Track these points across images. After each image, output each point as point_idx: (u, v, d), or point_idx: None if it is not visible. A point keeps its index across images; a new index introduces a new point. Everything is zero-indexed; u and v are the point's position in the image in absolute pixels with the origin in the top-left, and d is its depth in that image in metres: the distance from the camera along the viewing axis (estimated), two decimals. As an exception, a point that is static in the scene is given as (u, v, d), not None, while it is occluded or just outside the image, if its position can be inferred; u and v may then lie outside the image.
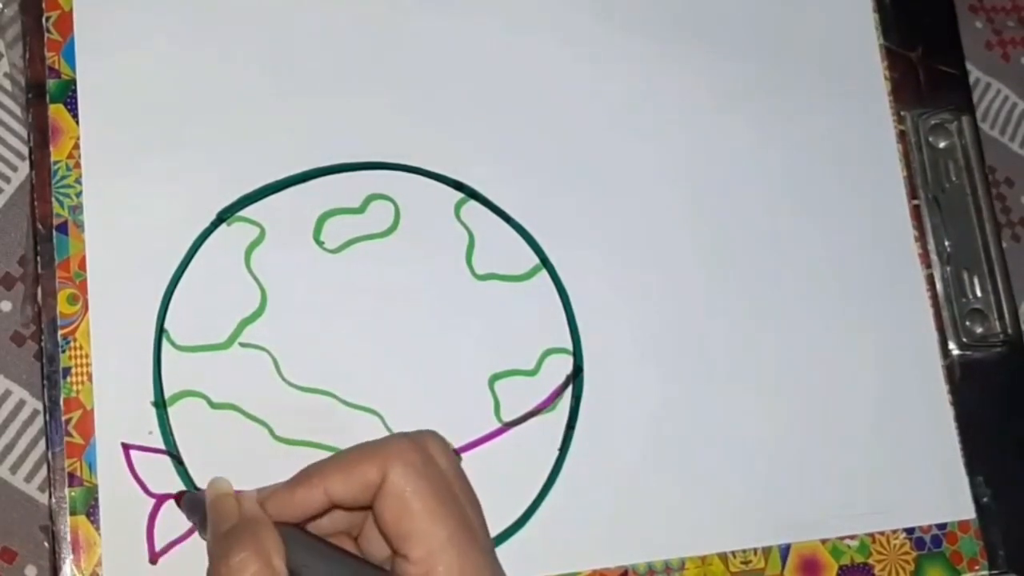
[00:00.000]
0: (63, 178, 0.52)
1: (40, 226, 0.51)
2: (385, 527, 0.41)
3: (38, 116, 0.52)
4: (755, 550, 0.54)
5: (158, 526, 0.49)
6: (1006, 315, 0.58)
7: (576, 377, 0.54)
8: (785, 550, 0.54)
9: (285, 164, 0.53)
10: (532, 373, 0.54)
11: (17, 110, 0.54)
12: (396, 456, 0.41)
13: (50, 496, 0.49)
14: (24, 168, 0.53)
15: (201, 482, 0.49)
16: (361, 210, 0.54)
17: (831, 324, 0.57)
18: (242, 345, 0.51)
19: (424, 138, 0.55)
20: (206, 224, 0.52)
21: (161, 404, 0.50)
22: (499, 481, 0.52)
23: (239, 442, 0.50)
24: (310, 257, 0.53)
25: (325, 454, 0.49)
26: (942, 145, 0.60)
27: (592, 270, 0.55)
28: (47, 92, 0.52)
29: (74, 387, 0.50)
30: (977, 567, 0.55)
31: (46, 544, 0.50)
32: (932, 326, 0.58)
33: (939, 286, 0.59)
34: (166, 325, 0.51)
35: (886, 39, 0.61)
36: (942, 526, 0.56)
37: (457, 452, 0.52)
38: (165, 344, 0.51)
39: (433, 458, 0.42)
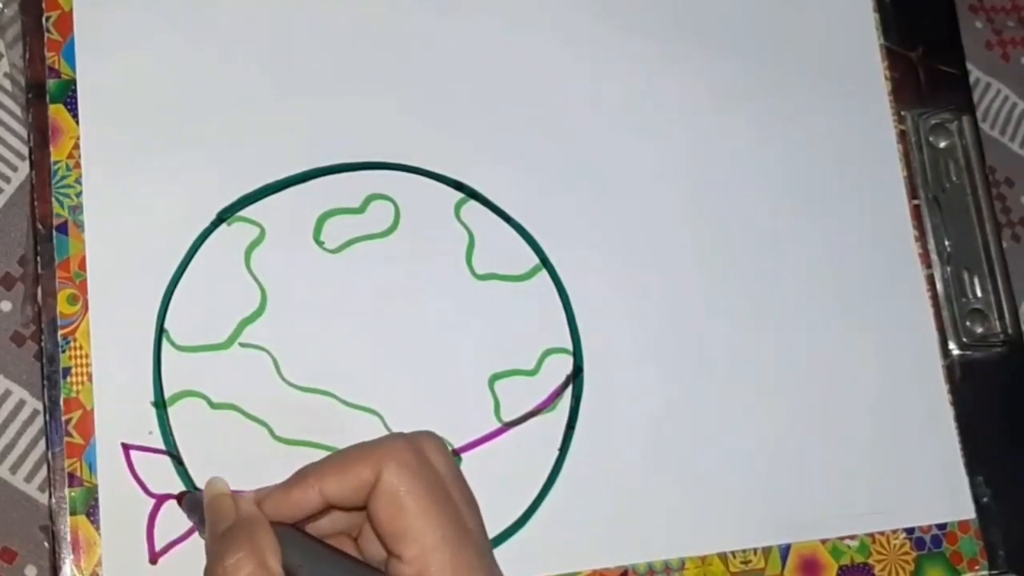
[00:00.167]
0: (63, 178, 0.52)
1: (40, 226, 0.51)
2: (379, 527, 0.41)
3: (38, 116, 0.52)
4: (755, 550, 0.54)
5: (158, 526, 0.49)
6: (1006, 315, 0.58)
7: (576, 377, 0.54)
8: (785, 550, 0.54)
9: (285, 164, 0.53)
10: (532, 373, 0.54)
11: (17, 110, 0.54)
12: (390, 456, 0.41)
13: (50, 496, 0.49)
14: (24, 168, 0.53)
15: (201, 482, 0.49)
16: (361, 210, 0.54)
17: (831, 324, 0.57)
18: (242, 345, 0.51)
19: (424, 138, 0.55)
20: (206, 224, 0.52)
21: (161, 404, 0.50)
22: (499, 481, 0.52)
23: (239, 442, 0.50)
24: (310, 257, 0.53)
25: (325, 454, 0.49)
26: (942, 145, 0.60)
27: (592, 270, 0.55)
28: (47, 92, 0.52)
29: (74, 387, 0.50)
30: (977, 567, 0.55)
31: (46, 544, 0.50)
32: (932, 326, 0.58)
33: (939, 286, 0.59)
34: (166, 325, 0.51)
35: (886, 39, 0.61)
36: (942, 526, 0.56)
37: (457, 452, 0.52)
38: (165, 344, 0.51)
39: (428, 458, 0.42)
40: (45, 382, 0.50)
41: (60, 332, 0.50)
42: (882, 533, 0.55)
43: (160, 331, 0.51)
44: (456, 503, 0.42)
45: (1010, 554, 0.56)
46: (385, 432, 0.51)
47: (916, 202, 0.60)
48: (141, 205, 0.52)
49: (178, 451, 0.50)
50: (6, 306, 0.52)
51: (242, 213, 0.53)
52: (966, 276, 0.59)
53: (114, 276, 0.51)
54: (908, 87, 0.61)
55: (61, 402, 0.49)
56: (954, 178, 0.60)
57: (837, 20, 0.61)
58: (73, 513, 0.49)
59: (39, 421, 0.51)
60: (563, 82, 0.57)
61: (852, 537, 0.55)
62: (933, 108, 0.61)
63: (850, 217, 0.58)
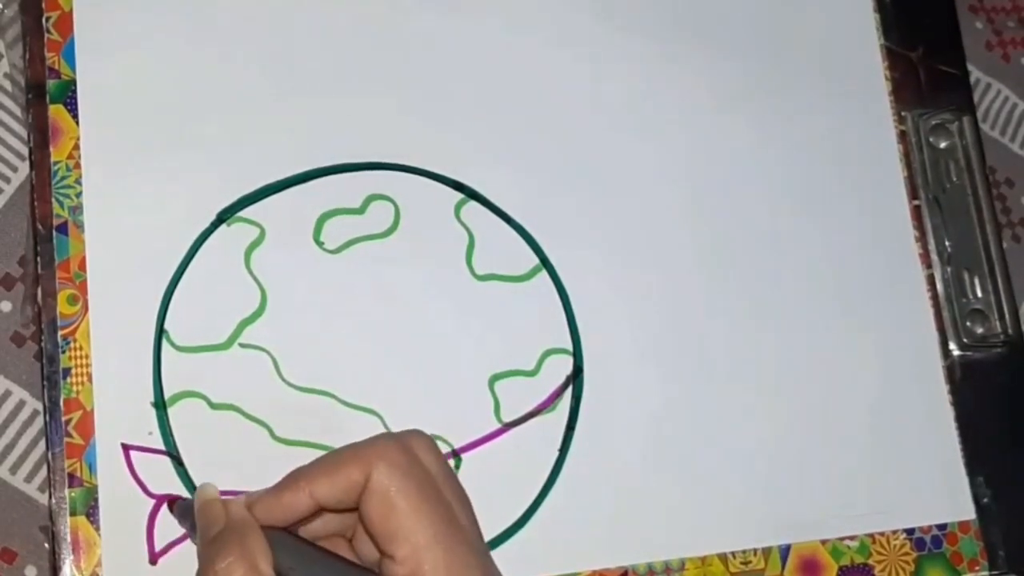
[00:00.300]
0: (63, 178, 0.52)
1: (40, 226, 0.51)
2: (371, 527, 0.41)
3: (38, 116, 0.52)
4: (755, 550, 0.54)
5: (158, 526, 0.49)
6: (1006, 315, 0.58)
7: (576, 377, 0.54)
8: (785, 550, 0.54)
9: (285, 164, 0.53)
10: (532, 373, 0.54)
11: (17, 110, 0.54)
12: (380, 456, 0.41)
13: (50, 496, 0.49)
14: (24, 168, 0.53)
15: (201, 482, 0.49)
16: (361, 210, 0.54)
17: (831, 324, 0.57)
18: (242, 345, 0.51)
19: (424, 138, 0.55)
20: (206, 224, 0.52)
21: (161, 405, 0.50)
22: (499, 481, 0.52)
23: (239, 442, 0.50)
24: (310, 257, 0.53)
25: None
26: (943, 145, 0.60)
27: (592, 270, 0.55)
28: (47, 92, 0.52)
29: (74, 388, 0.50)
30: (977, 568, 0.55)
31: (46, 544, 0.50)
32: (932, 326, 0.58)
33: (939, 286, 0.59)
34: (166, 325, 0.51)
35: (887, 39, 0.61)
36: (942, 526, 0.55)
37: (457, 452, 0.52)
38: (165, 344, 0.51)
39: (418, 457, 0.42)
40: (45, 382, 0.50)
41: (60, 332, 0.50)
42: (882, 533, 0.55)
43: (160, 331, 0.51)
44: (448, 501, 0.42)
45: (1010, 554, 0.56)
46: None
47: (916, 202, 0.60)
48: (141, 205, 0.52)
49: (178, 451, 0.50)
50: (6, 306, 0.52)
51: (242, 213, 0.53)
52: (966, 276, 0.59)
53: (114, 276, 0.51)
54: (908, 87, 0.61)
55: (61, 402, 0.49)
56: (954, 178, 0.60)
57: (837, 20, 0.61)
58: (73, 513, 0.49)
59: (39, 421, 0.51)
60: (563, 82, 0.57)
61: (852, 537, 0.55)
62: (933, 108, 0.61)
63: (850, 217, 0.58)
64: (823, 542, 0.54)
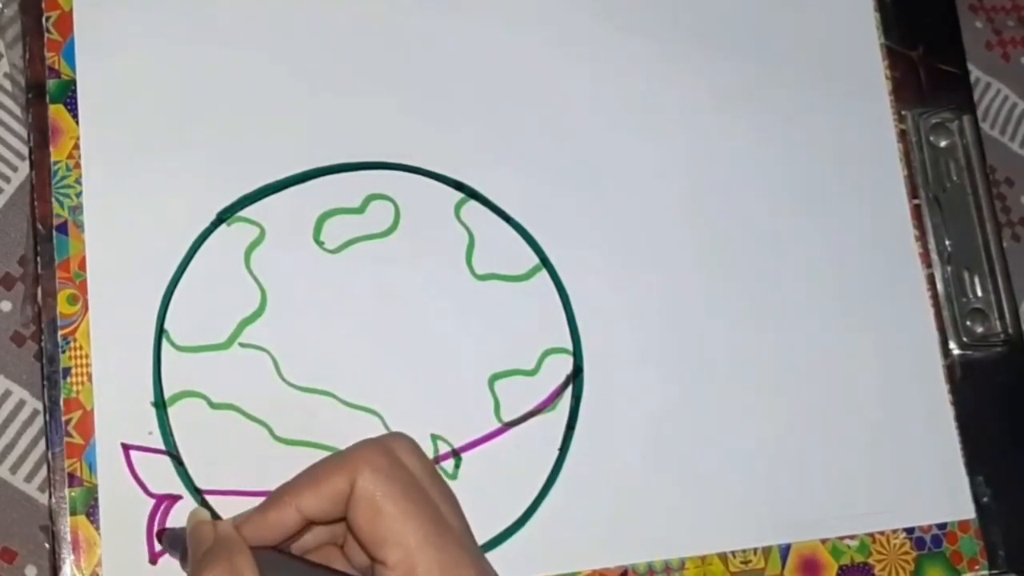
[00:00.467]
0: (63, 178, 0.52)
1: (40, 226, 0.51)
2: (360, 535, 0.41)
3: (38, 116, 0.52)
4: (755, 550, 0.54)
5: (158, 526, 0.49)
6: (1007, 315, 0.58)
7: (576, 377, 0.54)
8: (785, 550, 0.54)
9: (285, 164, 0.53)
10: (532, 373, 0.54)
11: (17, 110, 0.54)
12: (362, 462, 0.41)
13: (50, 496, 0.49)
14: (24, 168, 0.53)
15: (201, 482, 0.49)
16: (361, 210, 0.54)
17: (831, 324, 0.57)
18: (242, 345, 0.51)
19: (424, 138, 0.55)
20: (206, 224, 0.52)
21: (161, 404, 0.50)
22: (499, 481, 0.52)
23: (239, 442, 0.50)
24: (310, 257, 0.53)
25: (325, 454, 0.49)
26: (943, 144, 0.60)
27: (592, 270, 0.55)
28: (47, 92, 0.52)
29: (74, 387, 0.50)
30: (977, 567, 0.55)
31: (46, 544, 0.50)
32: (932, 326, 0.58)
33: (940, 286, 0.59)
34: (166, 325, 0.51)
35: (887, 38, 0.61)
36: (942, 526, 0.55)
37: (457, 452, 0.52)
38: (165, 344, 0.51)
39: (400, 460, 0.42)
40: (45, 382, 0.50)
41: (60, 332, 0.50)
42: (882, 533, 0.55)
43: (160, 331, 0.51)
44: (435, 502, 0.41)
45: (1010, 554, 0.56)
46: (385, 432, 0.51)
47: (916, 202, 0.60)
48: (141, 205, 0.52)
49: (178, 451, 0.50)
50: (6, 306, 0.52)
51: (242, 213, 0.53)
52: (966, 276, 0.59)
53: (114, 276, 0.51)
54: (909, 86, 0.61)
55: (61, 402, 0.49)
56: (954, 178, 0.60)
57: (837, 20, 0.61)
58: (73, 513, 0.49)
59: (39, 421, 0.51)
60: (563, 82, 0.57)
61: (852, 537, 0.55)
62: (934, 107, 0.61)
63: (850, 217, 0.58)
64: (823, 541, 0.54)
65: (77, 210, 0.51)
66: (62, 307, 0.50)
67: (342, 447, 0.49)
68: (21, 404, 0.51)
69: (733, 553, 0.53)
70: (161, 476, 0.49)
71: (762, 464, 0.55)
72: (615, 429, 0.54)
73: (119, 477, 0.49)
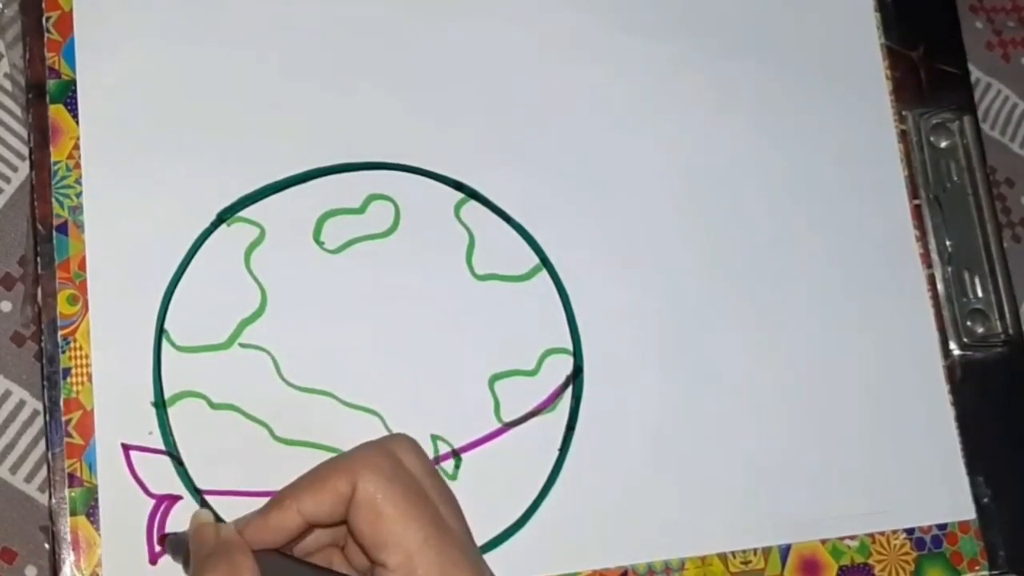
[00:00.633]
0: (63, 178, 0.52)
1: (40, 226, 0.51)
2: (361, 537, 0.41)
3: (38, 116, 0.52)
4: (755, 550, 0.54)
5: (158, 526, 0.49)
6: (1007, 315, 0.58)
7: (576, 377, 0.54)
8: (785, 550, 0.54)
9: (285, 164, 0.53)
10: (532, 373, 0.54)
11: (17, 110, 0.54)
12: (363, 464, 0.41)
13: (50, 496, 0.49)
14: (24, 168, 0.53)
15: (201, 482, 0.49)
16: (361, 210, 0.54)
17: (831, 324, 0.57)
18: (242, 345, 0.51)
19: (424, 138, 0.55)
20: (206, 224, 0.52)
21: (161, 404, 0.50)
22: (499, 481, 0.52)
23: (239, 442, 0.50)
24: (310, 257, 0.53)
25: (325, 454, 0.49)
26: (943, 145, 0.60)
27: (592, 270, 0.55)
28: (47, 92, 0.52)
29: (74, 388, 0.50)
30: (977, 567, 0.55)
31: (46, 544, 0.50)
32: (933, 326, 0.58)
33: (940, 286, 0.59)
34: (166, 325, 0.51)
35: (887, 38, 0.61)
36: (942, 526, 0.55)
37: (457, 452, 0.52)
38: (165, 344, 0.51)
39: (402, 462, 0.42)
40: (45, 382, 0.50)
41: (60, 332, 0.50)
42: (882, 533, 0.55)
43: (160, 331, 0.51)
44: (435, 504, 0.42)
45: (1010, 554, 0.56)
46: (385, 433, 0.51)
47: (917, 202, 0.60)
48: (141, 205, 0.52)
49: (178, 451, 0.50)
50: (6, 306, 0.52)
51: (242, 213, 0.53)
52: (967, 276, 0.59)
53: (114, 276, 0.51)
54: (909, 87, 0.61)
55: (61, 402, 0.49)
56: (955, 178, 0.60)
57: (838, 20, 0.61)
58: (73, 513, 0.49)
59: (39, 421, 0.51)
60: (563, 82, 0.57)
61: (852, 537, 0.55)
62: (934, 108, 0.61)
63: (850, 217, 0.58)
64: (823, 542, 0.54)
65: (77, 210, 0.51)
66: (62, 307, 0.50)
67: (342, 447, 0.49)
68: (21, 404, 0.51)
69: (733, 553, 0.53)
70: (161, 476, 0.49)
71: (762, 464, 0.55)
72: (615, 429, 0.54)
73: (119, 477, 0.49)
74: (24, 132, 0.53)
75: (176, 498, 0.49)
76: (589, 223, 0.56)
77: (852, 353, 0.57)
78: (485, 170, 0.55)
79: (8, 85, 0.54)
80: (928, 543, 0.55)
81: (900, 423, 0.56)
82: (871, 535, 0.55)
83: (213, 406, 0.51)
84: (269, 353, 0.51)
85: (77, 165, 0.52)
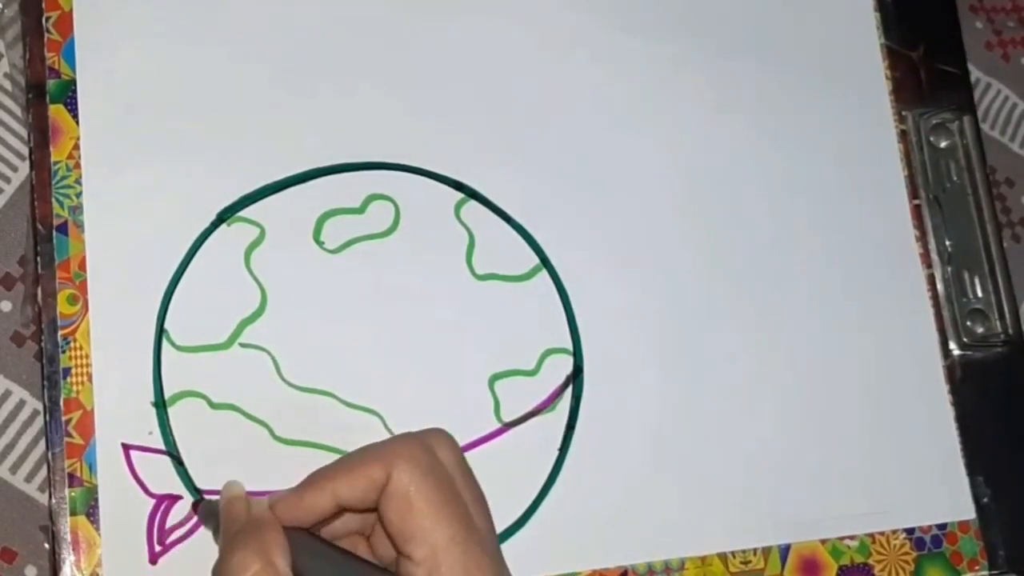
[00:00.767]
0: (63, 178, 0.52)
1: (40, 226, 0.51)
2: (390, 527, 0.41)
3: (38, 116, 0.52)
4: (755, 550, 0.54)
5: (158, 526, 0.49)
6: (1007, 315, 0.58)
7: (576, 377, 0.54)
8: (785, 550, 0.54)
9: (285, 164, 0.53)
10: (532, 373, 0.54)
11: (17, 110, 0.54)
12: (400, 455, 0.42)
13: (50, 496, 0.49)
14: (24, 168, 0.53)
15: (201, 482, 0.49)
16: (361, 210, 0.54)
17: (831, 324, 0.57)
18: (242, 345, 0.51)
19: (424, 138, 0.55)
20: (206, 224, 0.52)
21: (161, 404, 0.50)
22: (499, 481, 0.51)
23: (239, 442, 0.50)
24: (310, 257, 0.53)
25: (325, 454, 0.49)
26: (943, 145, 0.60)
27: (592, 270, 0.55)
28: (47, 92, 0.52)
29: (74, 387, 0.50)
30: (977, 567, 0.55)
31: (46, 544, 0.50)
32: (933, 326, 0.58)
33: (940, 286, 0.59)
34: (166, 325, 0.51)
35: (887, 38, 0.61)
36: (942, 526, 0.55)
37: (458, 452, 0.52)
38: (165, 344, 0.51)
39: (438, 457, 0.42)
40: (45, 382, 0.50)
41: (60, 332, 0.50)
42: (882, 533, 0.55)
43: (160, 331, 0.51)
44: (466, 503, 0.42)
45: (1010, 554, 0.56)
46: (385, 432, 0.51)
47: (917, 202, 0.60)
48: (141, 205, 0.52)
49: (178, 451, 0.50)
50: (6, 306, 0.52)
51: (242, 213, 0.53)
52: (967, 276, 0.59)
53: (114, 276, 0.51)
54: (909, 87, 0.61)
55: (61, 402, 0.49)
56: (955, 178, 0.60)
57: (838, 20, 0.61)
58: (73, 513, 0.49)
59: (39, 421, 0.51)
60: (563, 82, 0.57)
61: (852, 537, 0.55)
62: (934, 108, 0.61)
63: (850, 217, 0.58)
64: (823, 542, 0.54)
65: (77, 210, 0.51)
66: (62, 307, 0.50)
67: (342, 447, 0.49)
68: (21, 404, 0.51)
69: (733, 553, 0.53)
70: (161, 476, 0.49)
71: (762, 464, 0.55)
72: (615, 429, 0.54)
73: (119, 477, 0.49)
74: (24, 132, 0.53)
75: (176, 498, 0.49)
76: (589, 223, 0.56)
77: (852, 353, 0.57)
78: (485, 170, 0.55)
79: (8, 85, 0.54)
80: (928, 543, 0.55)
81: (900, 423, 0.56)
82: (871, 535, 0.55)
83: (213, 406, 0.51)
84: (269, 353, 0.52)
85: (77, 165, 0.52)
